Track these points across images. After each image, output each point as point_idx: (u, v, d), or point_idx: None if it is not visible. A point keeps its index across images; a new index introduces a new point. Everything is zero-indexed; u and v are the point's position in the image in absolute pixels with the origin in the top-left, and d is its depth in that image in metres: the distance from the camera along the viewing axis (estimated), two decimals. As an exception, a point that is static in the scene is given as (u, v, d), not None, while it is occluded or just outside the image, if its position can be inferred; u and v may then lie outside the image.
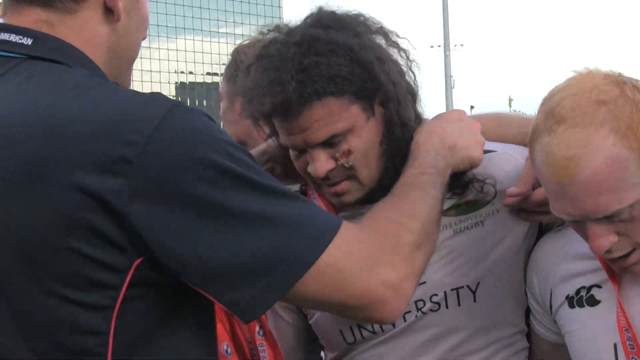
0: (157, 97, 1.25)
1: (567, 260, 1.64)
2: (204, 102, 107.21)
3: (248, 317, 1.25)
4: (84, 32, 1.35)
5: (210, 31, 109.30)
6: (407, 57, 1.75)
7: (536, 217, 1.71)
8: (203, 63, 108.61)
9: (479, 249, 1.72)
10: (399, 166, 1.66)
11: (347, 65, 1.61)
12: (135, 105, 1.23)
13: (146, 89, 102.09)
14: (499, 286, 1.73)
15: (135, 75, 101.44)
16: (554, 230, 1.72)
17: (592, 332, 1.57)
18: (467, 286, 1.71)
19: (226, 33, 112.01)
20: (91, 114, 1.20)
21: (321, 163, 1.65)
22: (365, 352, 1.78)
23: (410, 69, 1.75)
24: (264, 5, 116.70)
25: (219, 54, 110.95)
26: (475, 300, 1.71)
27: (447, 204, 1.68)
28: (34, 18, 1.33)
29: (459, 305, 1.70)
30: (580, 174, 1.35)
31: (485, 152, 1.71)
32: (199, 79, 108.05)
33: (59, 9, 1.33)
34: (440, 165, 1.58)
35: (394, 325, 1.71)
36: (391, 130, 1.69)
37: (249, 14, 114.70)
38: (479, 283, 1.71)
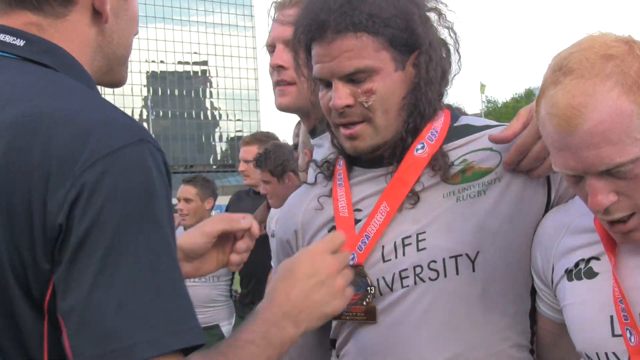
0: (129, 125, 1.25)
1: (568, 235, 1.64)
2: (175, 92, 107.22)
3: None
4: (73, 34, 1.39)
5: (181, 20, 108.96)
6: (456, 40, 1.84)
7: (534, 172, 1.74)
8: (174, 52, 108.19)
9: (479, 218, 1.72)
10: (412, 131, 1.77)
11: (391, 10, 1.70)
12: (109, 123, 1.23)
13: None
14: (500, 258, 1.72)
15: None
16: (558, 206, 1.74)
17: (589, 304, 1.56)
18: (466, 254, 1.70)
19: (197, 22, 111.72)
20: (81, 110, 1.24)
21: (342, 95, 1.72)
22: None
23: (457, 51, 1.85)
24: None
25: (190, 42, 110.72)
26: (474, 270, 1.70)
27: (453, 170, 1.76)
28: (24, 21, 1.36)
29: (457, 274, 1.70)
30: (583, 123, 1.34)
31: (496, 126, 1.82)
32: (170, 68, 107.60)
33: (49, 13, 1.36)
34: (275, 340, 1.40)
35: (391, 289, 1.73)
36: (415, 94, 1.75)
37: (220, 2, 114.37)
38: (478, 252, 1.71)
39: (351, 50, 1.69)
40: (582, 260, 1.59)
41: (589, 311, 1.56)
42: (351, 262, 1.73)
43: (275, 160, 4.24)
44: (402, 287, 1.73)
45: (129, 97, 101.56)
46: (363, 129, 1.75)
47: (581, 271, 1.59)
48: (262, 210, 4.69)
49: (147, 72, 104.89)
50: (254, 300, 4.96)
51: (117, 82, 1.51)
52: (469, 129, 1.83)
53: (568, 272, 1.61)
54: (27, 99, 1.25)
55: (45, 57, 1.34)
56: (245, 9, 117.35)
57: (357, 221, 1.79)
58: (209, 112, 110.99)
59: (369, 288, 1.75)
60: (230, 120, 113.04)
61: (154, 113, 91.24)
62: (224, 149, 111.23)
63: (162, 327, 1.13)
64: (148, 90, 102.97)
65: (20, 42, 1.34)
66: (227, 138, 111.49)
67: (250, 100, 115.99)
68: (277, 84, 2.27)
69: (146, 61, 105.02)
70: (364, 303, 1.75)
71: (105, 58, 1.45)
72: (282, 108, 2.29)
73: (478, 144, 1.79)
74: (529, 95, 71.76)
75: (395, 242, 1.74)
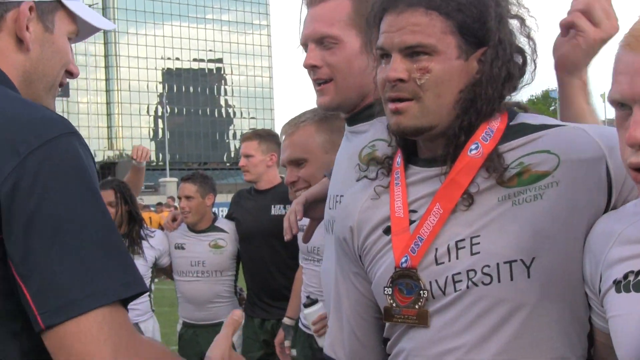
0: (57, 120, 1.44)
1: (618, 244, 1.57)
2: (190, 89, 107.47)
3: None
4: (3, 56, 1.56)
5: (196, 17, 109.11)
6: (534, 49, 1.81)
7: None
8: (190, 49, 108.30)
9: (535, 223, 1.66)
10: (467, 129, 1.73)
11: None
12: (45, 118, 1.42)
13: (133, 75, 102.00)
14: (556, 264, 1.66)
15: (122, 61, 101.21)
16: (609, 212, 1.67)
17: (636, 318, 1.49)
18: (521, 260, 1.65)
19: (213, 19, 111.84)
20: (17, 107, 1.44)
21: (398, 68, 1.70)
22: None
23: (534, 61, 1.81)
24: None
25: (206, 40, 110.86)
26: (529, 276, 1.65)
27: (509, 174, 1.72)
28: None
29: (511, 279, 1.65)
30: None
31: (553, 126, 1.76)
32: (186, 66, 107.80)
33: None
34: None
35: (444, 292, 1.70)
36: (474, 89, 1.72)
37: (236, 0, 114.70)
38: (534, 258, 1.65)
39: (418, 25, 1.68)
40: (632, 272, 1.52)
41: (634, 325, 1.49)
42: (404, 265, 1.73)
43: None
44: (455, 290, 1.68)
45: (144, 94, 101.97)
46: (410, 105, 1.71)
47: (630, 283, 1.51)
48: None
49: (163, 69, 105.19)
50: (260, 298, 4.98)
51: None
52: (526, 129, 1.76)
53: (616, 283, 1.54)
54: None
55: None
56: (261, 7, 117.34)
57: (411, 222, 1.77)
58: (223, 110, 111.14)
59: (421, 292, 1.72)
60: (245, 118, 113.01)
61: (168, 110, 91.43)
62: (237, 146, 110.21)
63: (110, 280, 1.33)
64: (163, 87, 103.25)
65: None
66: (240, 135, 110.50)
67: (265, 99, 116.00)
68: (315, 83, 2.26)
69: (162, 58, 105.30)
70: (416, 306, 1.73)
71: (33, 83, 1.60)
72: (324, 108, 2.29)
73: (535, 146, 1.72)
74: (545, 97, 71.31)
75: (448, 245, 1.70)
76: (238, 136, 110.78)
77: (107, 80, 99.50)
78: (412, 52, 1.70)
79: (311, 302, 3.92)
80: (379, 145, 2.07)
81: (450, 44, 1.69)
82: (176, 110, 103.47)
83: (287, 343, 4.42)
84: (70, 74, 1.71)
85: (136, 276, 1.40)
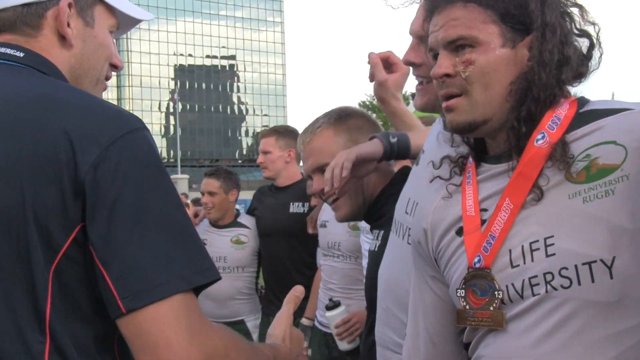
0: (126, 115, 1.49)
1: None
2: (203, 85, 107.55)
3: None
4: (48, 54, 1.58)
5: (210, 14, 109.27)
6: (597, 37, 1.75)
7: None
8: (203, 46, 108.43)
9: (610, 220, 1.58)
10: (527, 119, 1.67)
11: None
12: (119, 111, 1.48)
13: (145, 71, 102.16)
14: (638, 263, 1.58)
15: (134, 57, 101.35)
16: None
17: None
18: (601, 260, 1.57)
19: (226, 16, 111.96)
20: (88, 100, 1.48)
21: (442, 63, 1.71)
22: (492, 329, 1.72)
23: (600, 47, 1.75)
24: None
25: (219, 36, 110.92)
26: (611, 277, 1.57)
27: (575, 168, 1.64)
28: (7, 39, 1.57)
29: (592, 281, 1.57)
30: None
31: (619, 110, 1.67)
32: (199, 62, 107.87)
33: (24, 33, 1.58)
34: None
35: (521, 296, 1.63)
36: (527, 77, 1.68)
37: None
38: (614, 257, 1.57)
39: (457, 19, 1.69)
40: None
41: None
42: (477, 265, 1.67)
43: None
44: (533, 294, 1.61)
45: (156, 90, 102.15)
46: (459, 101, 1.68)
47: None
48: (315, 211, 4.66)
49: (175, 65, 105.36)
50: (277, 296, 4.96)
51: None
52: (593, 115, 1.67)
53: None
54: (43, 86, 1.49)
55: (43, 67, 1.56)
56: (275, 4, 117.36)
57: (483, 222, 1.70)
58: (235, 107, 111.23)
59: (496, 292, 1.64)
60: (257, 115, 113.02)
61: (180, 106, 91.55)
62: (249, 143, 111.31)
63: (188, 267, 1.38)
64: (175, 84, 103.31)
65: (19, 54, 1.55)
66: (253, 133, 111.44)
67: (278, 96, 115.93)
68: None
69: (174, 54, 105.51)
70: (491, 308, 1.66)
71: (79, 79, 1.64)
72: (418, 109, 2.24)
73: (600, 137, 1.62)
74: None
75: (522, 247, 1.62)
76: (250, 133, 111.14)
77: (118, 76, 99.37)
78: (456, 46, 1.69)
79: (334, 304, 3.87)
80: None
81: (492, 34, 1.67)
82: (188, 107, 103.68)
83: (305, 344, 4.41)
84: (115, 67, 1.73)
85: (210, 264, 1.44)
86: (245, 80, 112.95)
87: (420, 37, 2.15)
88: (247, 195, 9.29)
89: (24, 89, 1.47)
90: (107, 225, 1.35)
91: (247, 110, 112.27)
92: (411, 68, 2.27)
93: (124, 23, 1.75)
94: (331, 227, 4.20)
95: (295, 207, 4.86)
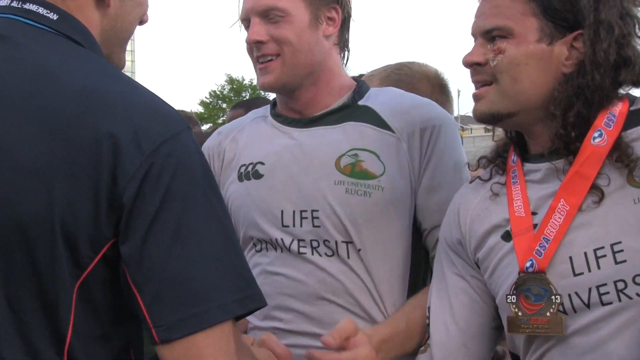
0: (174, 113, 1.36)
1: None
2: None
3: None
4: (82, 14, 1.43)
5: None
6: None
7: None
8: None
9: None
10: (580, 125, 1.60)
11: None
12: (164, 109, 1.34)
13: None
14: None
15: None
16: None
17: None
18: None
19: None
20: (131, 94, 1.33)
21: (474, 51, 1.67)
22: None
23: None
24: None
25: None
26: None
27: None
28: None
29: None
30: None
31: None
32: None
33: None
34: None
35: (588, 306, 1.54)
36: (577, 78, 1.61)
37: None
38: None
39: (495, 7, 1.65)
40: None
41: None
42: (530, 269, 1.61)
43: None
44: (603, 304, 1.56)
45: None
46: (488, 90, 1.67)
47: None
48: None
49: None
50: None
51: (115, 65, 1.51)
52: None
53: None
54: (84, 76, 1.32)
55: (77, 35, 1.40)
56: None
57: (534, 225, 1.64)
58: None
59: (553, 297, 1.58)
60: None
61: None
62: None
63: (230, 293, 1.26)
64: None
65: (53, 16, 1.39)
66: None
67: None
68: (257, 61, 2.02)
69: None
70: (548, 313, 1.59)
71: (109, 40, 1.49)
72: (266, 88, 2.03)
73: None
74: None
75: (586, 254, 1.57)
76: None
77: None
78: (491, 36, 1.68)
79: None
80: (364, 156, 1.95)
81: (530, 27, 1.63)
82: None
83: None
84: (141, 23, 1.59)
85: (255, 290, 1.33)
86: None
87: (260, 13, 2.00)
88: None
89: (65, 77, 1.30)
90: (142, 243, 1.23)
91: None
92: None
93: None
94: None
95: None
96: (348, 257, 1.91)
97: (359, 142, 1.95)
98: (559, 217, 1.57)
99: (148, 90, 1.36)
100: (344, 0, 1.99)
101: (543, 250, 1.57)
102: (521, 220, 1.63)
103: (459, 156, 2.00)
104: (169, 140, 1.26)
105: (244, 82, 66.87)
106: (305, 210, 1.93)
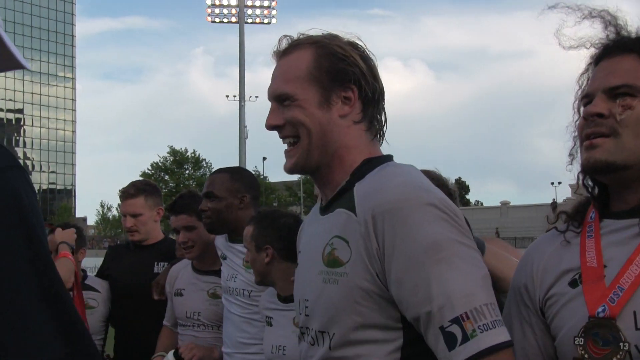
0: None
1: None
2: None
3: None
4: None
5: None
6: None
7: None
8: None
9: None
10: None
11: None
12: None
13: None
14: None
15: None
16: None
17: None
18: None
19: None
20: None
21: (597, 103, 1.69)
22: None
23: None
24: (56, 42, 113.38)
25: (6, 89, 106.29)
26: None
27: None
28: None
29: None
30: None
31: None
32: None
33: None
34: None
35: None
36: None
37: (40, 50, 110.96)
38: None
39: (628, 69, 1.71)
40: None
41: None
42: (601, 314, 1.63)
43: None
44: None
45: None
46: (605, 141, 1.69)
47: None
48: (164, 273, 4.27)
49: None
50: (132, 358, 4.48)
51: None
52: None
53: None
54: None
55: None
56: (67, 59, 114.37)
57: (604, 277, 1.67)
58: (21, 162, 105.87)
59: (621, 344, 1.59)
60: (44, 171, 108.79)
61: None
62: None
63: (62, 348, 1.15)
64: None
65: None
66: (39, 190, 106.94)
67: (67, 153, 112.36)
68: (285, 146, 2.02)
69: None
70: (615, 359, 1.60)
71: None
72: (287, 171, 2.03)
73: None
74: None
75: None
76: (36, 190, 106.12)
77: None
78: (616, 93, 1.70)
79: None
80: (338, 244, 1.86)
81: None
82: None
83: None
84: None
85: (81, 345, 1.20)
86: (32, 135, 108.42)
87: (275, 98, 1.99)
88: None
89: None
90: None
91: (33, 166, 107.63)
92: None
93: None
94: (188, 296, 3.94)
95: (161, 267, 4.44)
96: (328, 347, 1.84)
97: (336, 229, 1.87)
98: (635, 269, 1.62)
99: None
100: (363, 79, 1.94)
101: (617, 298, 1.61)
102: (593, 270, 1.69)
103: (430, 236, 1.70)
104: None
105: (187, 154, 67.58)
106: (306, 300, 1.96)
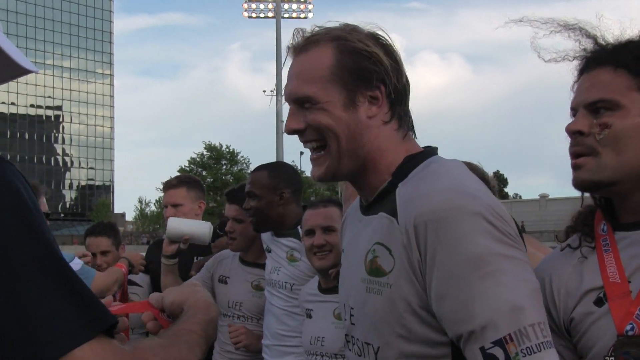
0: None
1: None
2: (26, 135, 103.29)
3: None
4: None
5: (35, 62, 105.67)
6: None
7: None
8: (27, 94, 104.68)
9: None
10: None
11: None
12: None
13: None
14: None
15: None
16: None
17: None
18: None
19: (53, 65, 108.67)
20: None
21: (578, 120, 1.69)
22: None
23: None
24: (94, 39, 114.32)
25: (45, 86, 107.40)
26: None
27: None
28: None
29: None
30: None
31: None
32: (22, 111, 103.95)
33: None
34: (209, 335, 1.48)
35: None
36: None
37: (78, 47, 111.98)
38: None
39: (603, 82, 1.70)
40: None
41: None
42: (630, 332, 1.61)
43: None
44: None
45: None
46: (587, 160, 1.69)
47: None
48: (208, 259, 4.27)
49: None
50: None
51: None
52: None
53: None
54: None
55: None
56: (105, 56, 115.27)
57: (629, 292, 1.64)
58: (59, 158, 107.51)
59: None
60: (83, 167, 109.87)
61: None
62: (73, 197, 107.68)
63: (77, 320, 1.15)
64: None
65: None
66: (77, 186, 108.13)
67: (105, 149, 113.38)
68: (310, 152, 1.93)
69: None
70: None
71: None
72: (317, 180, 1.92)
73: None
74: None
75: None
76: (75, 186, 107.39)
77: None
78: (596, 107, 1.69)
79: None
80: (380, 251, 1.76)
81: (635, 101, 1.67)
82: (9, 157, 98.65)
83: None
84: None
85: (102, 309, 1.22)
86: (71, 131, 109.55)
87: (294, 101, 1.88)
88: (69, 250, 8.72)
89: None
90: None
91: (71, 162, 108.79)
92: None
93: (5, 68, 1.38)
94: (232, 285, 3.93)
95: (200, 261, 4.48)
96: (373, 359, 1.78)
97: (378, 235, 1.78)
98: None
99: None
100: (388, 77, 1.83)
101: None
102: (617, 286, 1.66)
103: (474, 250, 1.58)
104: None
105: (222, 149, 67.67)
106: (351, 307, 1.87)
